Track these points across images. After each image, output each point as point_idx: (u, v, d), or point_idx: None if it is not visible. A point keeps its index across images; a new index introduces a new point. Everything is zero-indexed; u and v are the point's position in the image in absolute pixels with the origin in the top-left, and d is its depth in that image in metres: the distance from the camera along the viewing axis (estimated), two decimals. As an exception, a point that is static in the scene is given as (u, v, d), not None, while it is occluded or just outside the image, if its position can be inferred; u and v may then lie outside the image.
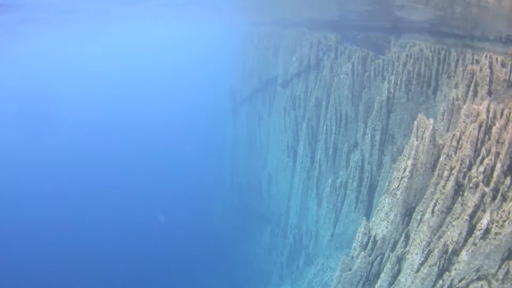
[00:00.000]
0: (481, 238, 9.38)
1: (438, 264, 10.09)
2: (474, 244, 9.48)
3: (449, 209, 10.37)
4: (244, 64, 31.56)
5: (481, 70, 12.46)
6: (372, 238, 12.20)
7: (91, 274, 31.73)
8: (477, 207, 9.72)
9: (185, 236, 34.76)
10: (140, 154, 52.05)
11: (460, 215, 10.01)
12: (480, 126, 10.46)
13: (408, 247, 11.21)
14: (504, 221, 9.11)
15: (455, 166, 10.45)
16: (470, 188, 9.93)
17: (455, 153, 10.70)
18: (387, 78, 16.52)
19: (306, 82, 22.36)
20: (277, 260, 25.06)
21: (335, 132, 19.07)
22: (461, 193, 10.22)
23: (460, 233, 9.83)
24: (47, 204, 41.74)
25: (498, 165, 9.66)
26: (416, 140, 11.43)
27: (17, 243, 36.09)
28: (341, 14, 21.73)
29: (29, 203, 42.38)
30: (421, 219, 11.08)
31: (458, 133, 10.80)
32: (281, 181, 24.46)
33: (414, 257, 10.80)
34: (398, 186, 11.57)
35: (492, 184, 9.61)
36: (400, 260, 11.37)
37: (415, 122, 11.71)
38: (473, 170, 10.09)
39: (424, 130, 11.41)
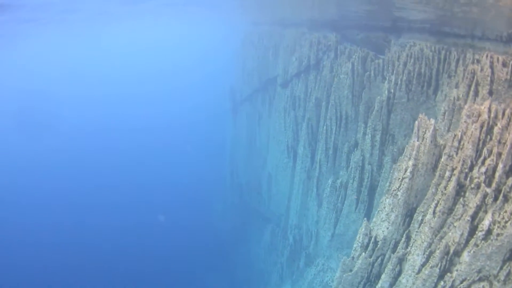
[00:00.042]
0: (482, 239, 9.34)
1: (439, 265, 10.04)
2: (476, 245, 9.43)
3: (450, 210, 10.33)
4: (244, 64, 31.52)
5: (482, 69, 12.39)
6: (373, 238, 12.16)
7: (91, 274, 31.70)
8: (478, 208, 9.68)
9: (185, 236, 34.73)
10: (140, 154, 52.04)
11: (461, 216, 9.96)
12: (481, 126, 10.40)
13: (409, 248, 11.17)
14: (506, 222, 9.06)
15: (456, 167, 10.40)
16: (472, 188, 9.89)
17: (457, 154, 10.65)
18: (387, 78, 16.44)
19: (306, 82, 22.30)
20: (277, 261, 25.01)
21: (335, 132, 19.00)
22: (462, 193, 10.17)
23: (462, 234, 9.79)
24: (47, 204, 41.71)
25: (500, 165, 9.61)
26: (417, 141, 11.38)
27: (17, 243, 36.04)
28: (341, 14, 21.66)
29: (29, 203, 42.34)
30: (422, 220, 11.03)
31: (459, 133, 10.75)
32: (281, 181, 24.41)
33: (415, 258, 10.75)
34: (399, 186, 11.53)
35: (493, 185, 9.57)
36: (401, 261, 11.32)
37: (416, 122, 11.66)
38: (475, 171, 10.04)
39: (425, 130, 11.36)
